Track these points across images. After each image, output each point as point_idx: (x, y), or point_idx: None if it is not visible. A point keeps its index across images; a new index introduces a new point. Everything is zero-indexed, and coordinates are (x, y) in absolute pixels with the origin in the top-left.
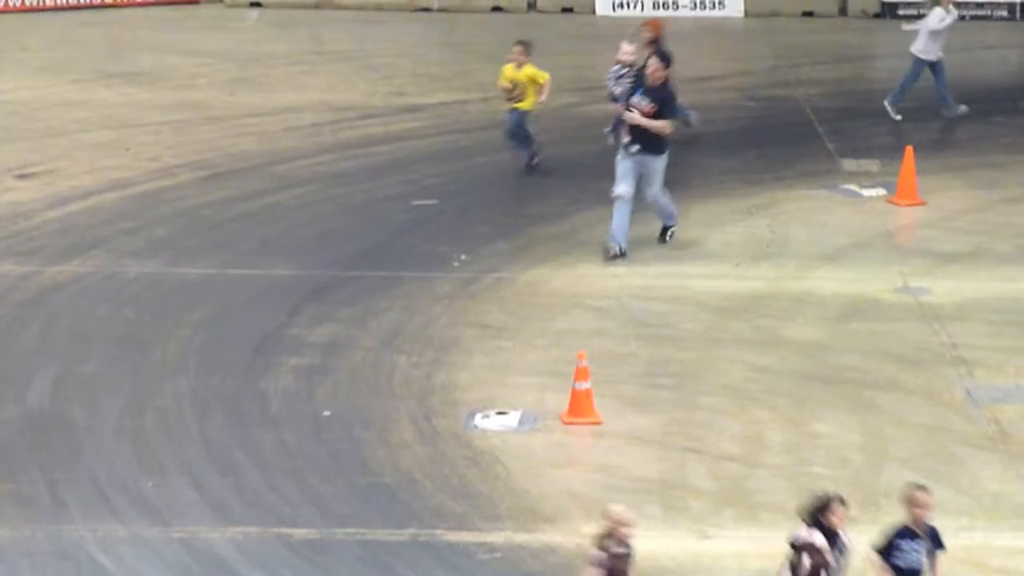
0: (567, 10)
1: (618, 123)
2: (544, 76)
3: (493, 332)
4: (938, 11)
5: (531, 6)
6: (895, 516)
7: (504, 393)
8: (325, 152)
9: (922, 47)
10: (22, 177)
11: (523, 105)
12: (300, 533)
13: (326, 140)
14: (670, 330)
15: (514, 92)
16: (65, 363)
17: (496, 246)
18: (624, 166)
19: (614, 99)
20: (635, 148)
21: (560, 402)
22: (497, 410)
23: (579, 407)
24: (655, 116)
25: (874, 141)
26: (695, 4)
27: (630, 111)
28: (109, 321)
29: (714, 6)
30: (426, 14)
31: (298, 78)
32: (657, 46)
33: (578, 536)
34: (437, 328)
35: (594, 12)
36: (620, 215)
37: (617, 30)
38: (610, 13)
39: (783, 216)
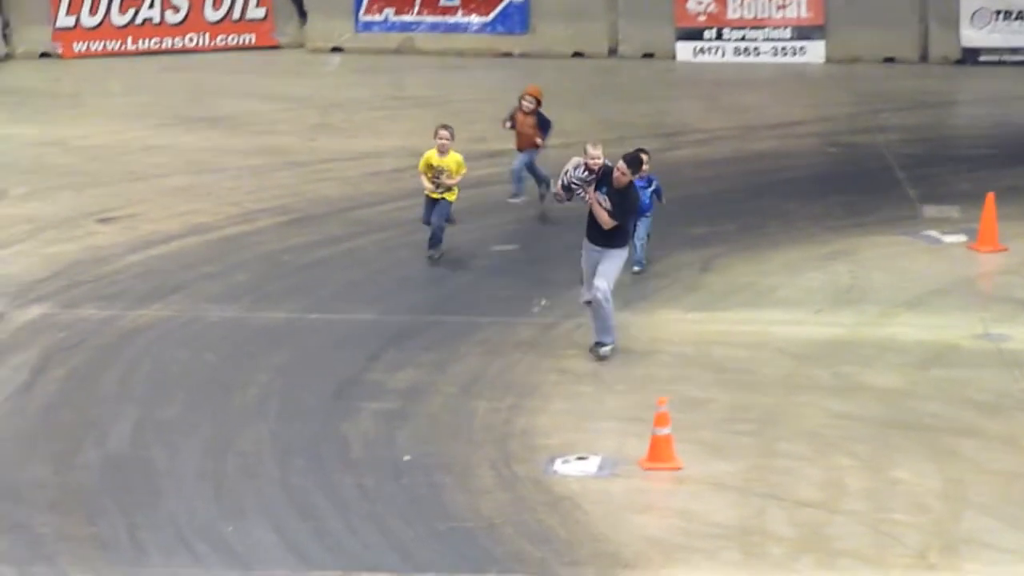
0: (648, 55)
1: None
2: (463, 166)
3: (573, 378)
4: None
5: (612, 51)
6: (976, 563)
7: (584, 438)
8: (406, 197)
9: None
10: (104, 221)
11: (449, 196)
12: None
13: (406, 185)
14: (750, 376)
15: (439, 182)
16: (146, 407)
17: (576, 292)
18: (589, 269)
19: (566, 188)
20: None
21: (640, 448)
22: (577, 455)
23: (659, 452)
24: (610, 215)
25: (955, 187)
26: (776, 50)
27: (597, 200)
28: (190, 365)
29: (795, 52)
30: (507, 59)
31: (379, 123)
32: (539, 114)
33: None
34: (517, 373)
35: (674, 58)
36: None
37: (696, 74)
38: (691, 59)
39: (864, 262)
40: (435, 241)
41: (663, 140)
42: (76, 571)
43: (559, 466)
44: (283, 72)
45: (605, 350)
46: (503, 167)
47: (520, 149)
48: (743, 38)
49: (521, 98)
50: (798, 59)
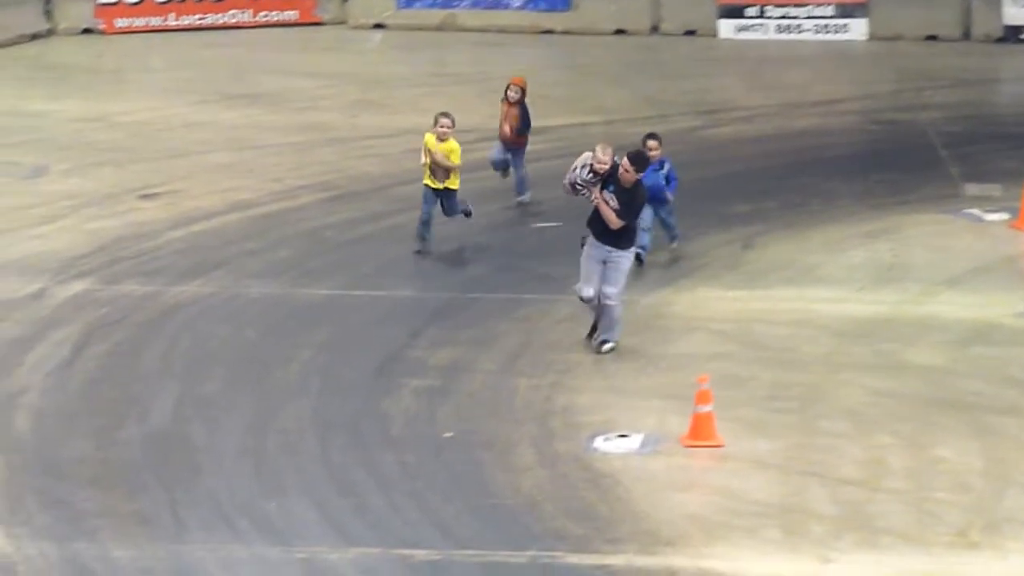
0: (690, 32)
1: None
2: (458, 158)
3: (614, 355)
4: None
5: (654, 29)
6: (1019, 541)
7: (625, 416)
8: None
9: None
10: (145, 198)
11: (451, 184)
12: (421, 554)
13: None
14: (791, 354)
15: (438, 169)
16: (187, 383)
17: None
18: (590, 265)
19: (572, 186)
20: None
21: (681, 425)
22: (618, 433)
23: (700, 430)
24: (617, 214)
25: (997, 166)
26: (818, 27)
27: (604, 200)
28: (231, 342)
29: (837, 30)
30: (548, 36)
31: (420, 100)
32: (524, 106)
33: (699, 559)
34: (558, 351)
35: (716, 35)
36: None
37: (738, 52)
38: (733, 36)
39: (905, 240)
40: (423, 234)
41: (704, 117)
42: (117, 547)
43: (600, 443)
44: (325, 49)
45: (608, 347)
46: (545, 143)
47: (502, 140)
48: (785, 15)
49: (507, 88)
50: (840, 36)
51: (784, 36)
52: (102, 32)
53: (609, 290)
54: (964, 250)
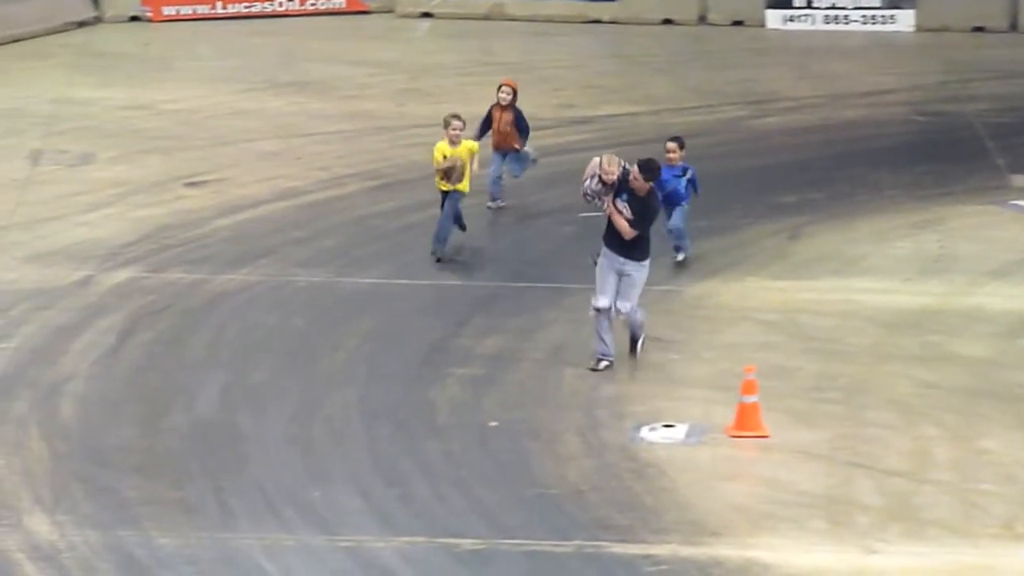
0: (737, 23)
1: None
2: (475, 145)
3: (660, 345)
4: None
5: (701, 19)
6: None
7: (671, 406)
8: (493, 164)
9: None
10: (192, 185)
11: (461, 187)
12: (466, 543)
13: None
14: (838, 345)
15: (452, 172)
16: (233, 372)
17: (664, 259)
18: (605, 275)
19: (586, 196)
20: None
21: (727, 415)
22: (664, 423)
23: (746, 420)
24: (630, 224)
25: None
26: (866, 18)
27: (617, 209)
28: (278, 330)
29: (884, 21)
30: (596, 26)
31: (467, 89)
32: (517, 110)
33: (744, 549)
34: None
35: (764, 25)
36: (602, 328)
37: (786, 42)
38: (780, 26)
39: (952, 232)
40: (441, 238)
41: (752, 108)
42: (162, 535)
43: (646, 433)
44: (372, 37)
45: (639, 345)
46: (590, 133)
47: (497, 149)
48: (833, 6)
49: (497, 91)
50: (887, 27)
51: (831, 27)
52: (149, 20)
53: (624, 305)
54: (1011, 241)
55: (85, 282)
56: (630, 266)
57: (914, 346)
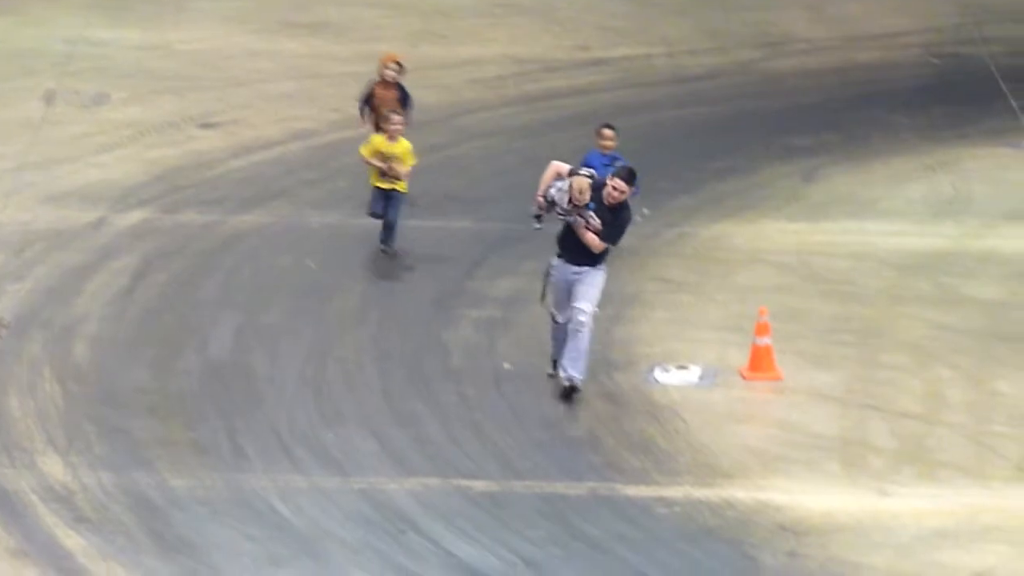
0: None
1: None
2: (413, 159)
3: (674, 287)
4: None
5: None
6: None
7: (685, 348)
8: (508, 105)
9: None
10: (205, 127)
11: (400, 186)
12: (479, 485)
13: (509, 93)
14: (851, 287)
15: (388, 170)
16: (247, 313)
17: (679, 201)
18: (560, 292)
19: (547, 202)
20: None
21: (741, 357)
22: (677, 365)
23: (760, 363)
24: (601, 236)
25: None
26: None
27: (586, 220)
28: (291, 271)
29: None
30: None
31: (482, 31)
32: (401, 86)
33: (757, 491)
34: (618, 283)
35: None
36: (562, 337)
37: None
38: None
39: (966, 173)
40: (389, 236)
41: (766, 49)
42: (175, 476)
43: (659, 375)
44: None
45: (577, 381)
46: (605, 75)
47: (378, 130)
48: None
49: (384, 67)
50: None
51: None
52: None
53: (584, 306)
54: None
55: (99, 223)
56: (586, 271)
57: (928, 288)
